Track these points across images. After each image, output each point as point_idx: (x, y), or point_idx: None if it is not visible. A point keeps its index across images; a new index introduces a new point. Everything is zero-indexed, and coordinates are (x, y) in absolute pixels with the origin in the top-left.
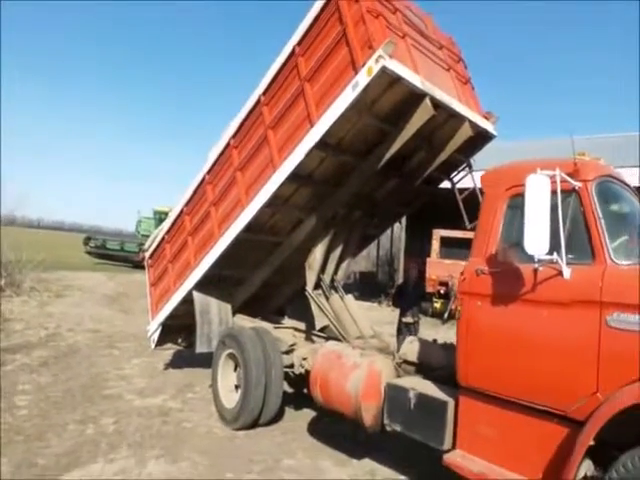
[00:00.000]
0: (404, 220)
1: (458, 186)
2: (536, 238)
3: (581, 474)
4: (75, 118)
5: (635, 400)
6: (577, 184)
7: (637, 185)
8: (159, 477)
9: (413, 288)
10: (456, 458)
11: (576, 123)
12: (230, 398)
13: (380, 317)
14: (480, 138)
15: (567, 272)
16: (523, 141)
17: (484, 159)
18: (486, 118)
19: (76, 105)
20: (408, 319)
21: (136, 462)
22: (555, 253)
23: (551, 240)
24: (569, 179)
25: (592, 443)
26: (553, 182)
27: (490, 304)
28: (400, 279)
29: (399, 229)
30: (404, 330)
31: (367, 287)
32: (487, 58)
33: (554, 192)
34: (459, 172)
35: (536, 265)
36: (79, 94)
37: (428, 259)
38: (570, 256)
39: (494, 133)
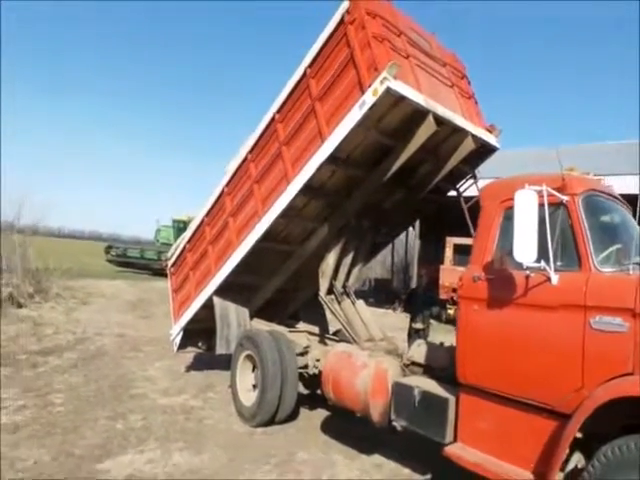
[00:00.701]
0: (418, 227)
1: (465, 195)
2: (524, 247)
3: (571, 466)
4: (94, 128)
5: (613, 395)
6: (565, 198)
7: (637, 192)
8: (184, 467)
9: (423, 294)
10: (455, 450)
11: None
12: (248, 397)
13: (394, 323)
14: (484, 150)
15: (555, 278)
16: (537, 148)
17: (499, 168)
18: (489, 131)
19: (95, 115)
20: (418, 325)
21: (162, 453)
22: (543, 261)
23: (540, 249)
24: (556, 193)
25: (579, 436)
26: (542, 196)
27: (486, 308)
28: (414, 285)
29: (413, 236)
30: (414, 335)
31: (382, 293)
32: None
33: (542, 205)
34: (465, 182)
35: (527, 272)
36: (98, 104)
37: (441, 266)
38: (559, 263)
39: (497, 145)
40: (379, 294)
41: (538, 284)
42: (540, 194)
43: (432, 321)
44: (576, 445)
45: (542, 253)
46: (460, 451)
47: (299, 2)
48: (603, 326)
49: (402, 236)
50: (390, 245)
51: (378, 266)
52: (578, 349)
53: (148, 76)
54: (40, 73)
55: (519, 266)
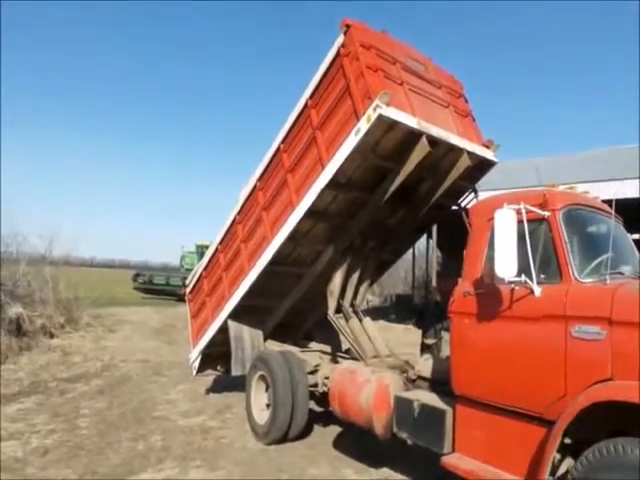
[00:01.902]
0: (434, 243)
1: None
2: (505, 263)
3: (562, 470)
4: (123, 157)
5: (592, 400)
6: (546, 213)
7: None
8: None
9: (436, 308)
10: (452, 459)
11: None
12: (262, 416)
13: (415, 339)
14: (483, 165)
15: (538, 291)
16: (552, 157)
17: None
18: (487, 146)
19: (123, 143)
20: (430, 340)
21: (180, 471)
22: (525, 275)
23: (522, 263)
24: (537, 210)
25: (569, 442)
26: (520, 213)
27: (476, 321)
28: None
29: (433, 252)
30: (427, 350)
31: (403, 309)
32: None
33: (521, 222)
34: (466, 197)
35: (512, 286)
36: (119, 131)
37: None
38: (542, 276)
39: (494, 160)
40: (400, 310)
41: (522, 297)
42: (519, 212)
43: (445, 334)
44: (567, 450)
45: (525, 267)
46: (456, 461)
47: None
48: (583, 335)
49: (424, 250)
50: (411, 260)
51: (400, 282)
52: (560, 358)
53: (174, 99)
54: (65, 104)
55: (504, 281)
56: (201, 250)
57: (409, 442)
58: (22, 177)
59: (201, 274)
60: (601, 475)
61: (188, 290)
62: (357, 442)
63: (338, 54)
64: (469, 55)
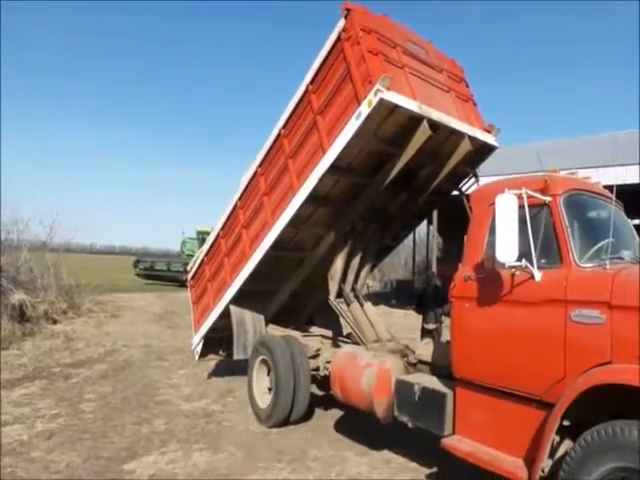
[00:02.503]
0: (434, 228)
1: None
2: (506, 248)
3: (561, 452)
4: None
5: (591, 383)
6: (547, 198)
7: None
8: (202, 466)
9: (434, 293)
10: (452, 441)
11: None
12: (264, 399)
13: (415, 324)
14: (484, 150)
15: (538, 275)
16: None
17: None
18: (488, 131)
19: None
20: (430, 325)
21: (183, 454)
22: (525, 259)
23: (523, 248)
24: (538, 195)
25: (567, 424)
26: (522, 198)
27: (476, 306)
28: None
29: (433, 237)
30: (427, 335)
31: (404, 295)
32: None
33: (522, 206)
34: (467, 182)
35: (512, 270)
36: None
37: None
38: (543, 261)
39: (495, 145)
40: (401, 295)
41: (523, 281)
42: (520, 197)
43: (445, 319)
44: (566, 433)
45: (525, 252)
46: (456, 443)
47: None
48: (582, 319)
49: (424, 236)
50: (412, 246)
51: (400, 268)
52: (560, 342)
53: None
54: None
55: (505, 265)
56: (202, 236)
57: (410, 425)
58: (22, 163)
59: (203, 260)
60: (599, 457)
61: (190, 276)
62: (358, 425)
63: (339, 38)
64: (462, 29)
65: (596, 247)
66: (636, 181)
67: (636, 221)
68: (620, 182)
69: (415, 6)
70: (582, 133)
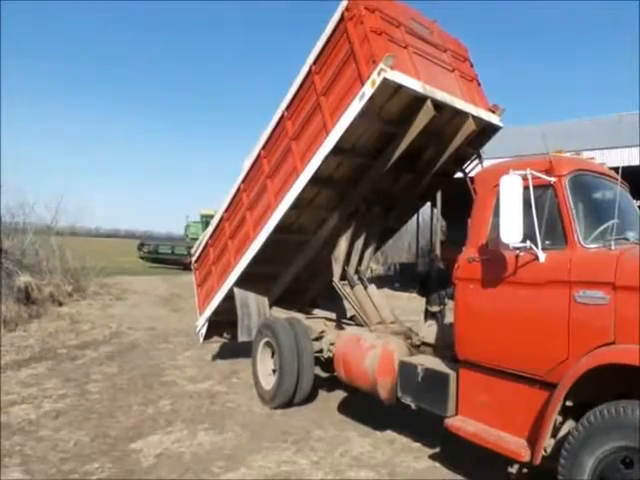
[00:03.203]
0: (438, 211)
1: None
2: (510, 229)
3: (563, 432)
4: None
5: (594, 364)
6: (552, 179)
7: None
8: (207, 445)
9: (437, 275)
10: (455, 422)
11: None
12: (268, 381)
13: (419, 306)
14: (488, 130)
15: (542, 256)
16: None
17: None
18: (492, 111)
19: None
20: (434, 308)
21: (188, 433)
22: (530, 241)
23: (528, 229)
24: (543, 175)
25: (570, 405)
26: (527, 179)
27: (481, 287)
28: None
29: (437, 220)
30: (430, 317)
31: (407, 278)
32: None
33: (527, 188)
34: (470, 163)
35: (517, 252)
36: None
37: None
38: (547, 242)
39: (500, 124)
40: (404, 278)
41: (527, 263)
42: (525, 178)
43: (448, 301)
44: (568, 413)
45: (530, 233)
46: (460, 423)
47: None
48: (586, 300)
49: (428, 220)
50: (416, 229)
51: (404, 251)
52: (564, 322)
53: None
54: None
55: (509, 247)
56: (206, 220)
57: (413, 406)
58: (26, 147)
59: (207, 243)
60: (601, 436)
61: (194, 259)
62: (362, 406)
63: (342, 18)
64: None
65: (601, 228)
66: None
67: None
68: (626, 164)
69: None
70: (587, 114)
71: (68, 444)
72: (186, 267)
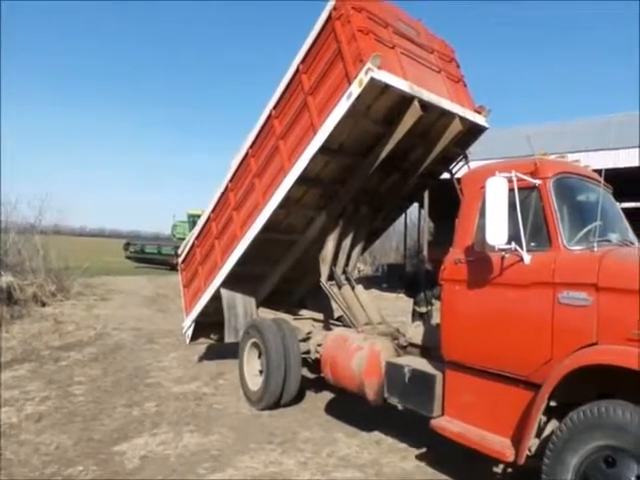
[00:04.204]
0: (426, 212)
1: (458, 176)
2: (495, 230)
3: (547, 432)
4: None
5: (578, 364)
6: (537, 181)
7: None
8: (193, 447)
9: (425, 276)
10: (441, 422)
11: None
12: (255, 382)
13: (407, 307)
14: (474, 131)
15: (527, 258)
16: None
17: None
18: (478, 112)
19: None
20: (422, 308)
21: (174, 436)
22: (515, 242)
23: (513, 231)
24: (528, 178)
25: (554, 405)
26: (512, 181)
27: (466, 288)
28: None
29: (424, 221)
30: (418, 318)
31: (395, 278)
32: None
33: (512, 190)
34: (457, 164)
35: (502, 253)
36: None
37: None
38: (532, 244)
39: (486, 125)
40: (392, 279)
41: (512, 264)
42: (510, 180)
43: (435, 302)
44: (552, 413)
45: (515, 235)
46: (445, 423)
47: None
48: (570, 301)
49: (416, 220)
50: (403, 230)
51: (392, 252)
52: (548, 323)
53: (163, 71)
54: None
55: (495, 248)
56: (193, 219)
57: (399, 407)
58: (8, 142)
59: (193, 243)
60: (584, 436)
61: (180, 259)
62: (348, 407)
63: (329, 17)
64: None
65: (584, 230)
66: (627, 165)
67: (624, 204)
68: (610, 166)
69: None
70: (571, 117)
71: (50, 447)
72: (173, 267)
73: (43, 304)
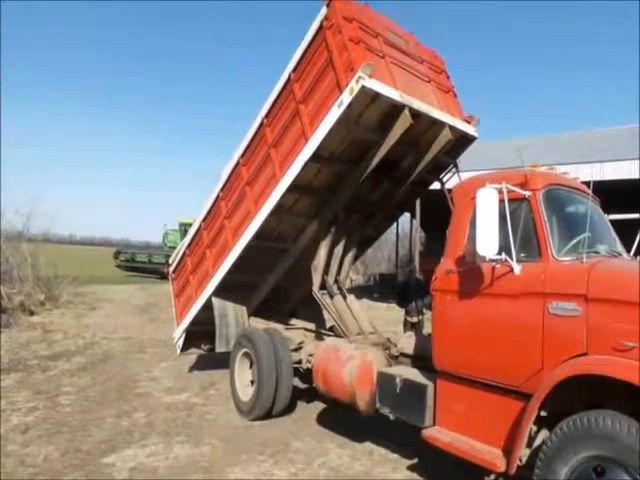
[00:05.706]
0: (417, 222)
1: (448, 186)
2: (486, 241)
3: (538, 442)
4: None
5: (568, 374)
6: (527, 193)
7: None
8: (183, 458)
9: (415, 285)
10: (431, 432)
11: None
12: (246, 392)
13: (398, 317)
14: (464, 140)
15: (517, 269)
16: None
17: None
18: (467, 122)
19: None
20: (414, 318)
21: (164, 447)
22: (505, 253)
23: (503, 242)
24: (518, 189)
25: (545, 415)
26: (502, 193)
27: (457, 299)
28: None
29: (416, 232)
30: (409, 328)
31: (387, 288)
32: None
33: (503, 201)
34: (447, 173)
35: (493, 264)
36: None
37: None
38: (522, 255)
39: (475, 135)
40: (384, 289)
41: (503, 275)
42: (500, 191)
43: (427, 312)
44: (543, 423)
45: (505, 246)
46: (436, 433)
47: None
48: (559, 311)
49: (407, 231)
50: (395, 240)
51: (383, 261)
52: (538, 334)
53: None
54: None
55: (485, 259)
56: (184, 228)
57: (391, 417)
58: None
59: (184, 252)
60: (574, 445)
61: (172, 269)
62: (340, 417)
63: (321, 27)
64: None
65: (574, 241)
66: (613, 177)
67: (612, 216)
68: (597, 178)
69: None
70: (562, 129)
71: (38, 459)
72: (164, 276)
73: (31, 313)
